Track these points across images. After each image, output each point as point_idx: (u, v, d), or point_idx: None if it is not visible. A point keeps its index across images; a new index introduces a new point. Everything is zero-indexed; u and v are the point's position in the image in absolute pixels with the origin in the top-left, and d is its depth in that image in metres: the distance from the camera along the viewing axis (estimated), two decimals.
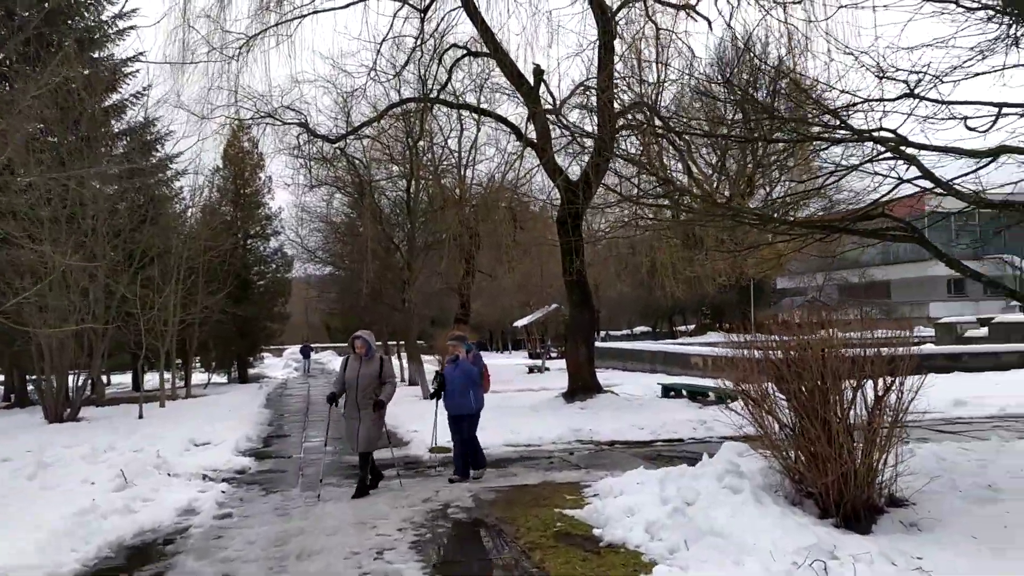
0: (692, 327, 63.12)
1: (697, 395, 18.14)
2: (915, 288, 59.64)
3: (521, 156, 20.14)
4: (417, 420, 15.86)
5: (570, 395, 18.44)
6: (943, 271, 60.16)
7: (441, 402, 10.61)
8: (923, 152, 8.33)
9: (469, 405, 10.31)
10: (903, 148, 8.70)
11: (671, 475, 7.56)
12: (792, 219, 9.20)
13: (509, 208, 34.59)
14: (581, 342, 18.51)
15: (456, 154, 30.44)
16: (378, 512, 8.38)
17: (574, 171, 19.23)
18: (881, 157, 9.15)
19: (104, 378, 35.22)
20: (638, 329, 66.94)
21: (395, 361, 30.78)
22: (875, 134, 8.28)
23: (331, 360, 54.93)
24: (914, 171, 8.94)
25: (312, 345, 44.42)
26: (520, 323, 48.91)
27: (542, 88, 17.88)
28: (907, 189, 8.46)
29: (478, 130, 29.75)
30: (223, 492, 9.84)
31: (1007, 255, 58.52)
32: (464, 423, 10.33)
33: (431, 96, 19.22)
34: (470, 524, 7.78)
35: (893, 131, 8.20)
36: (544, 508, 8.09)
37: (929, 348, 25.72)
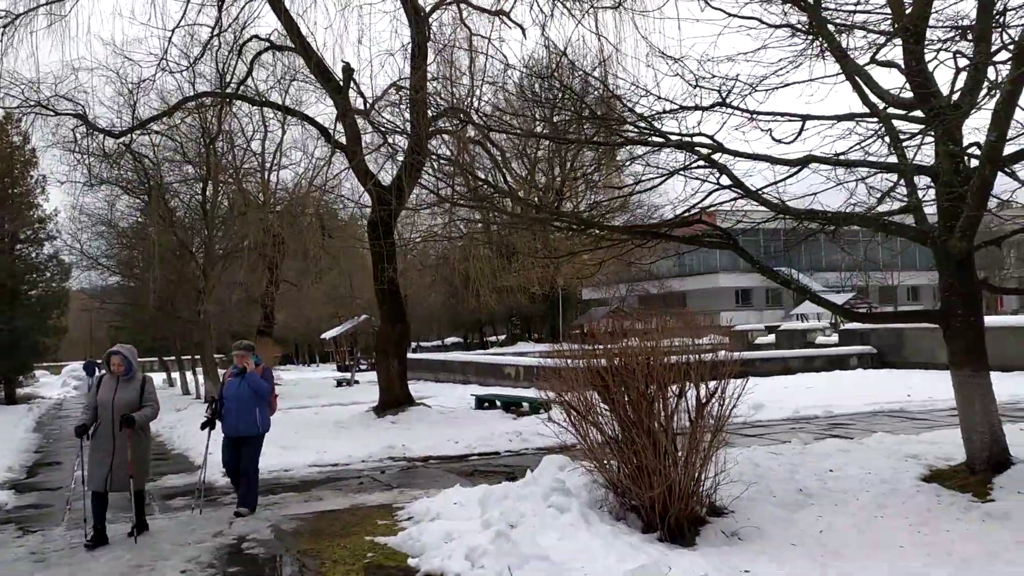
0: (503, 337, 63.93)
1: (511, 405, 17.94)
2: (707, 298, 63.83)
3: (330, 160, 19.18)
4: (212, 442, 14.47)
5: (381, 409, 17.65)
6: (732, 282, 64.94)
7: (218, 423, 8.84)
8: (738, 160, 8.44)
9: (253, 425, 8.74)
10: (715, 156, 8.80)
11: (493, 495, 7.07)
12: (610, 224, 9.02)
13: (317, 214, 33.31)
14: (392, 355, 17.78)
15: (259, 157, 28.83)
16: (159, 552, 7.27)
17: (385, 177, 18.52)
18: (695, 165, 9.21)
19: None
20: (449, 340, 66.89)
21: (190, 377, 28.51)
22: (691, 139, 8.28)
23: None
24: (726, 179, 9.08)
25: (97, 361, 39.97)
26: (328, 335, 47.22)
27: (352, 88, 17.04)
28: (724, 196, 8.52)
29: (283, 131, 28.19)
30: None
31: (786, 268, 64.08)
32: (245, 448, 8.74)
33: (229, 92, 17.81)
34: (268, 561, 6.88)
35: (711, 136, 8.23)
36: (354, 536, 7.34)
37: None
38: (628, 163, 10.25)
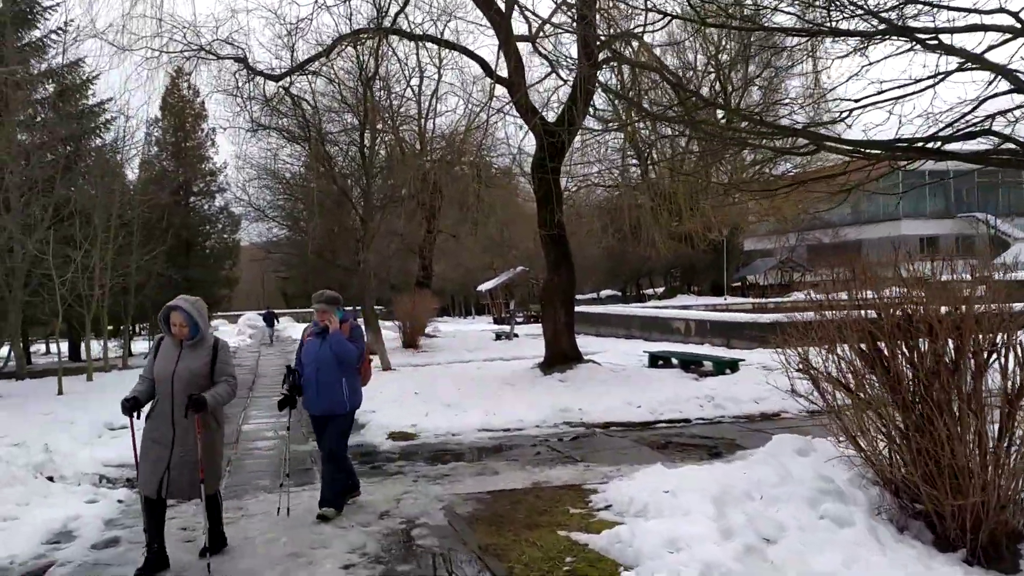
0: (660, 290, 61.48)
1: (691, 364, 16.19)
2: (888, 247, 58.43)
3: (491, 97, 17.73)
4: (375, 398, 13.67)
5: (548, 365, 16.37)
6: (915, 229, 59.34)
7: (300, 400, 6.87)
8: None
9: (340, 400, 6.73)
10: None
11: (731, 493, 5.46)
12: (857, 140, 7.07)
13: (473, 163, 32.35)
14: (560, 306, 16.39)
15: (415, 101, 28.00)
16: (318, 537, 6.21)
17: (550, 116, 16.98)
18: (965, 68, 7.11)
19: (43, 347, 32.40)
20: (604, 293, 65.14)
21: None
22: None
23: (288, 328, 52.46)
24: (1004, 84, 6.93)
25: (275, 312, 41.06)
26: (484, 287, 46.75)
27: (516, 12, 15.49)
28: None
29: (439, 74, 27.33)
30: (120, 502, 7.55)
31: (980, 213, 57.69)
32: (330, 429, 6.80)
33: (385, 27, 16.71)
34: (444, 559, 5.64)
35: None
36: (543, 529, 5.99)
37: None
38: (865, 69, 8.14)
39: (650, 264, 56.23)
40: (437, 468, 8.56)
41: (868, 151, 7.08)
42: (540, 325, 39.71)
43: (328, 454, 6.84)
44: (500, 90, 16.84)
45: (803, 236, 58.11)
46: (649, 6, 7.40)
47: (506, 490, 7.37)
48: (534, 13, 15.51)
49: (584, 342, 26.61)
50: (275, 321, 38.34)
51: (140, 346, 29.36)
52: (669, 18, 7.58)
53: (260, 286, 66.81)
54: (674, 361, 17.00)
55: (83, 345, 23.04)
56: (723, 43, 12.79)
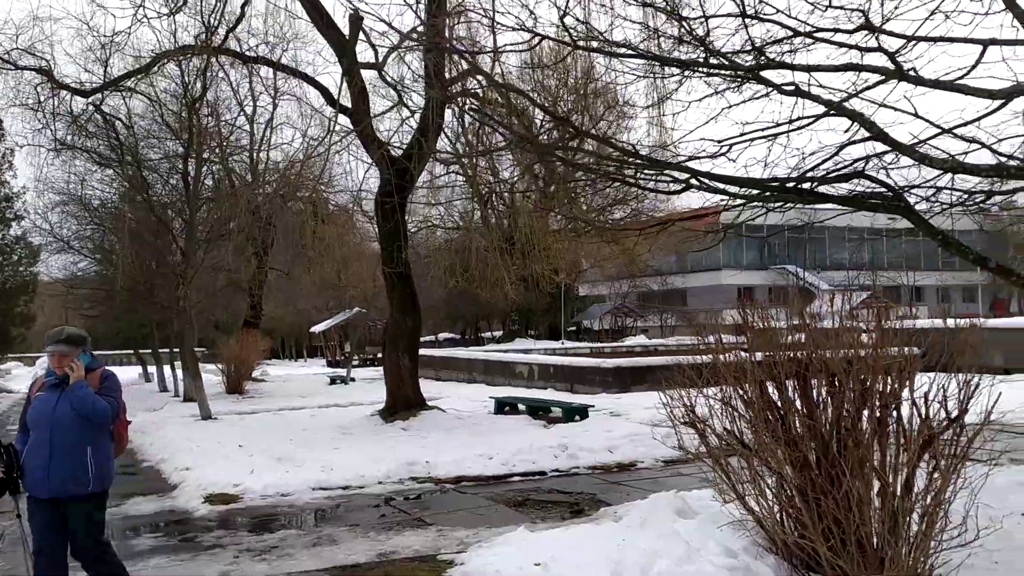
0: (498, 334, 61.47)
1: (539, 411, 15.61)
2: (710, 296, 61.65)
3: (331, 127, 16.67)
4: (191, 452, 12.10)
5: (390, 412, 15.32)
6: (734, 279, 62.80)
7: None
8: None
9: (83, 475, 4.85)
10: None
11: (625, 569, 4.73)
12: (747, 177, 6.71)
13: (311, 198, 30.84)
14: (404, 350, 15.42)
15: (248, 130, 26.37)
16: None
17: (396, 151, 16.16)
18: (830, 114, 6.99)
19: None
20: (442, 336, 64.31)
21: (169, 372, 26.01)
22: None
23: None
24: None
25: None
26: (318, 328, 44.80)
27: (363, 39, 14.66)
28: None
29: (275, 102, 25.91)
30: None
31: (791, 265, 61.97)
32: (73, 520, 4.89)
33: (216, 46, 15.38)
34: None
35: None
36: None
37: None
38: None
39: (489, 308, 56.19)
40: (264, 539, 7.35)
41: (742, 189, 6.74)
42: (378, 369, 38.50)
43: (92, 559, 4.94)
44: (344, 120, 15.87)
45: (634, 283, 60.07)
46: (516, 24, 6.90)
47: (347, 566, 6.31)
48: (389, 24, 14.63)
49: (426, 387, 25.54)
50: None
51: None
52: (538, 38, 7.02)
53: (65, 324, 60.84)
54: (521, 407, 16.39)
55: None
56: (589, 71, 12.54)
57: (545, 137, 8.62)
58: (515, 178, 25.26)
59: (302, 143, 27.82)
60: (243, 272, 28.20)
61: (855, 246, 62.03)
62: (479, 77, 14.51)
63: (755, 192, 6.74)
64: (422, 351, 39.86)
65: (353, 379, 26.87)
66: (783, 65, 6.90)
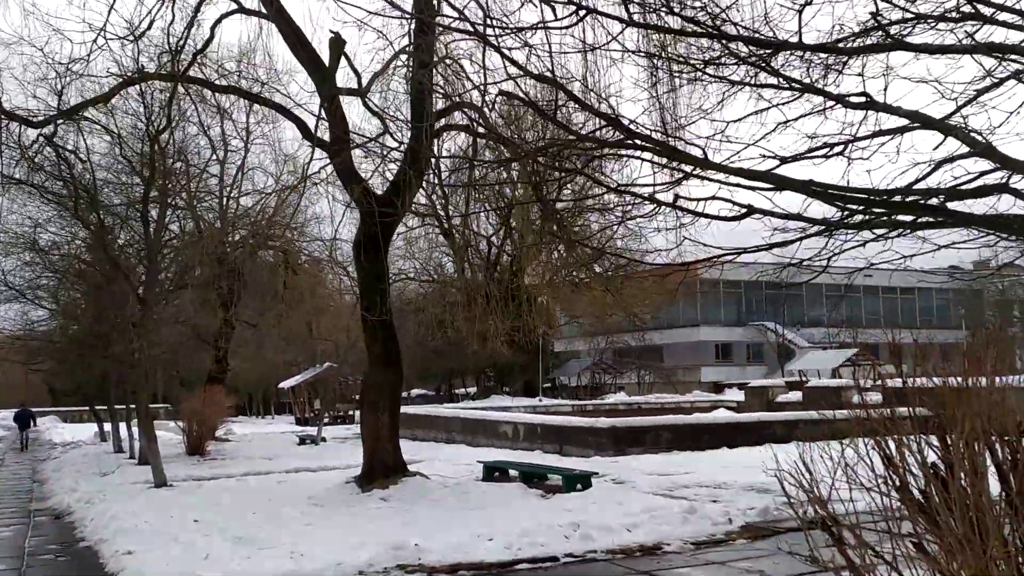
0: (472, 390, 59.62)
1: (533, 478, 14.03)
2: (686, 352, 60.59)
3: (306, 169, 15.25)
4: (137, 530, 10.36)
5: (367, 479, 13.65)
6: (711, 336, 61.75)
7: None
8: None
9: None
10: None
11: None
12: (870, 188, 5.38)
13: (282, 247, 29.35)
14: (384, 408, 13.82)
15: (216, 173, 25.00)
16: None
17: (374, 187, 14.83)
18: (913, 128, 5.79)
19: None
20: (415, 392, 62.30)
21: (125, 431, 24.01)
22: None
23: (50, 429, 45.34)
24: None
25: (32, 410, 34.02)
26: (287, 384, 42.80)
27: (345, 64, 13.39)
28: None
29: (247, 146, 24.66)
30: None
31: (769, 322, 61.19)
32: None
33: (181, 72, 14.04)
34: None
35: None
36: None
37: (761, 415, 23.46)
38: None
39: (463, 363, 54.48)
40: None
41: (851, 200, 5.42)
42: (350, 427, 36.57)
43: None
44: (318, 158, 14.52)
45: (611, 339, 58.78)
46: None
47: None
48: (356, 73, 13.41)
49: (403, 447, 23.90)
50: (32, 422, 32.10)
51: None
52: (584, 12, 5.79)
53: (24, 379, 58.05)
54: (513, 473, 14.81)
55: None
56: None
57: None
58: (495, 227, 23.82)
59: (275, 188, 26.63)
60: (208, 324, 26.57)
61: (834, 303, 61.53)
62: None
63: (878, 210, 5.40)
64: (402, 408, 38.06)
65: (324, 439, 25.04)
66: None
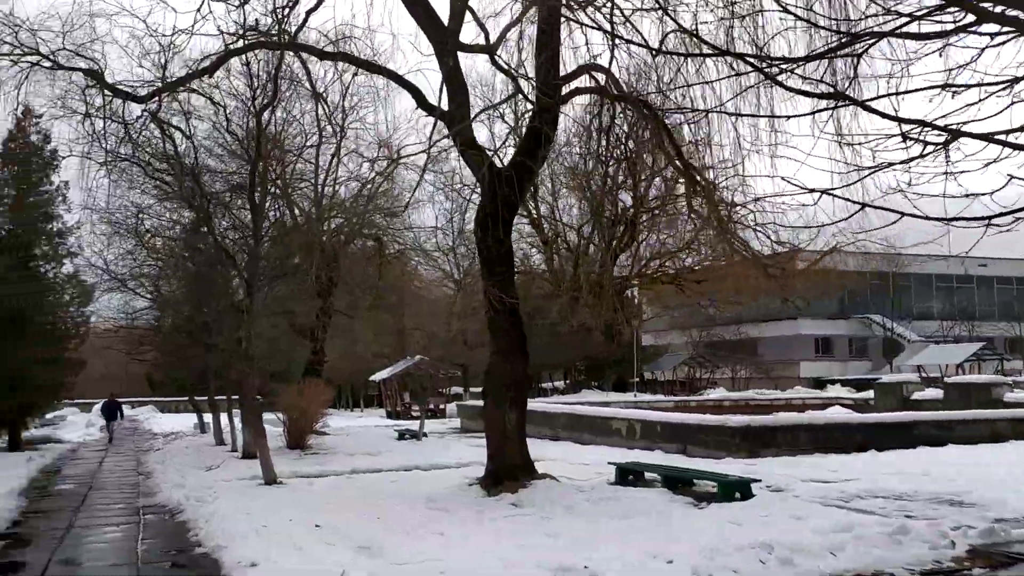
0: (560, 384, 58.06)
1: (678, 482, 12.51)
2: (783, 346, 57.63)
3: (432, 134, 13.95)
4: (258, 535, 9.31)
5: (492, 480, 12.39)
6: (811, 329, 58.53)
7: None
8: None
9: None
10: None
11: None
12: None
13: (377, 238, 28.48)
14: (511, 404, 12.53)
15: (311, 161, 24.10)
16: None
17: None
18: None
19: None
20: None
21: (225, 423, 23.48)
22: None
23: (150, 417, 46.08)
24: None
25: (120, 400, 31.80)
26: (379, 376, 42.21)
27: (470, 18, 12.12)
28: None
29: (341, 131, 23.58)
30: None
31: (876, 315, 57.70)
32: None
33: (286, 40, 13.01)
34: None
35: None
36: None
37: (905, 415, 21.30)
38: None
39: (552, 357, 52.81)
40: None
41: None
42: (442, 421, 35.61)
43: None
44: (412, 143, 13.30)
45: (705, 332, 56.42)
46: None
47: None
48: (484, 30, 12.10)
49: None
50: (119, 414, 30.39)
51: None
52: None
53: (125, 369, 59.31)
54: (649, 476, 13.33)
55: None
56: None
57: None
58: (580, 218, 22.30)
59: (371, 173, 25.66)
60: (304, 316, 25.88)
61: (945, 294, 57.78)
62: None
63: None
64: (470, 402, 36.90)
65: (425, 434, 24.01)
66: None
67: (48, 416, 29.53)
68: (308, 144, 23.11)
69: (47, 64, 13.08)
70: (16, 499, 14.24)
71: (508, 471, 12.40)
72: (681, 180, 13.11)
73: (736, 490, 11.33)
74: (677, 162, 11.79)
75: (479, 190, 15.67)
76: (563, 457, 17.63)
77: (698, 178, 11.70)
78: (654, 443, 19.58)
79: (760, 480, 11.66)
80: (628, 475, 13.53)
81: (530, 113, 12.32)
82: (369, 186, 24.88)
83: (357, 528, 9.85)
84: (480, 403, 36.29)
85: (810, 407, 35.49)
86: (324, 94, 19.61)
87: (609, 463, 14.37)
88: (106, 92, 13.71)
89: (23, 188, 25.73)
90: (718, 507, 10.77)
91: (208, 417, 27.54)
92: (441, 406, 40.64)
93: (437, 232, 37.58)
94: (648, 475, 13.47)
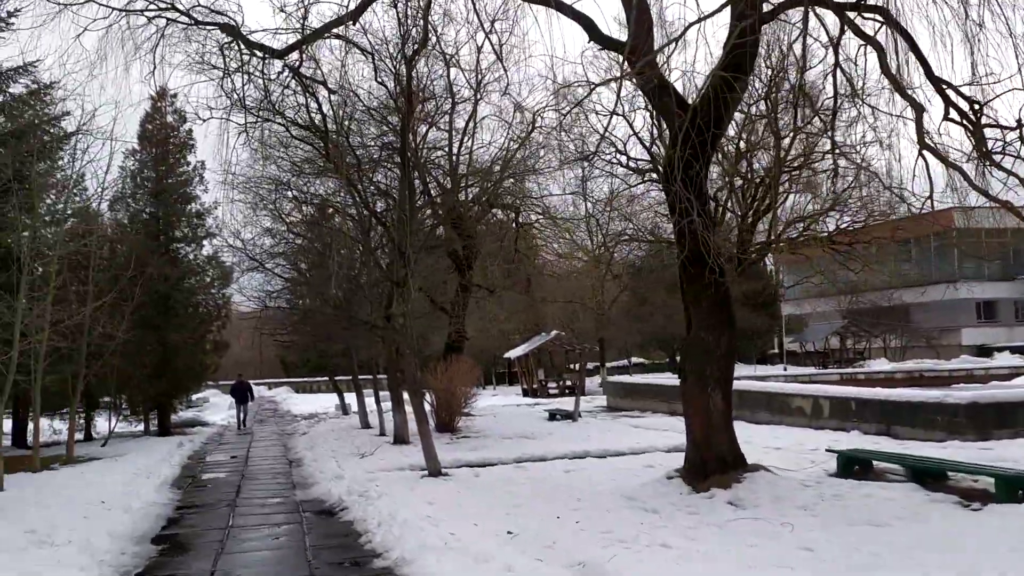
0: None
1: (927, 476, 10.23)
2: (940, 311, 52.64)
3: (621, 76, 12.02)
4: (446, 549, 7.76)
5: (698, 474, 10.48)
6: (972, 293, 53.21)
7: None
8: None
9: None
10: None
11: None
12: None
13: (515, 208, 26.85)
14: (716, 385, 10.55)
15: (446, 127, 22.49)
16: None
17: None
18: None
19: None
20: (634, 360, 58.80)
21: (371, 405, 22.52)
22: None
23: (288, 398, 46.39)
24: None
25: (250, 382, 29.68)
26: (513, 354, 40.88)
27: None
28: None
29: (477, 97, 21.79)
30: None
31: None
32: None
33: None
34: None
35: None
36: None
37: None
38: None
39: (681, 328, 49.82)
40: None
41: None
42: (586, 398, 33.87)
43: None
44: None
45: (854, 299, 52.10)
46: None
47: None
48: None
49: (654, 421, 20.75)
50: (249, 395, 27.91)
51: (109, 427, 23.20)
52: None
53: (259, 351, 60.57)
54: (884, 466, 11.10)
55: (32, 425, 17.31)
56: None
57: None
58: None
59: (508, 131, 23.74)
60: (440, 290, 24.64)
61: None
62: None
63: None
64: (624, 378, 34.76)
65: (580, 415, 22.31)
66: None
67: (193, 398, 29.55)
68: (438, 113, 21.36)
69: (183, 21, 11.92)
70: (170, 491, 13.41)
71: (716, 463, 10.47)
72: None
73: (1021, 487, 8.99)
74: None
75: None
76: (747, 440, 15.47)
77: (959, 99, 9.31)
78: (847, 423, 17.19)
79: None
80: (854, 465, 11.32)
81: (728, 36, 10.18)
82: (514, 145, 22.91)
83: (559, 537, 8.19)
84: (628, 379, 34.20)
85: (995, 377, 31.88)
86: (456, 59, 17.77)
87: (828, 450, 12.18)
88: (243, 49, 12.49)
89: (161, 170, 25.47)
90: (1004, 511, 8.51)
91: (350, 398, 26.79)
92: (577, 382, 39.00)
93: (573, 200, 35.61)
94: (878, 465, 11.24)
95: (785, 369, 42.07)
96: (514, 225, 27.27)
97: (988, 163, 9.70)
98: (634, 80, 10.95)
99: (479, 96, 21.64)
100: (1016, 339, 50.80)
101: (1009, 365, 36.80)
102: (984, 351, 47.71)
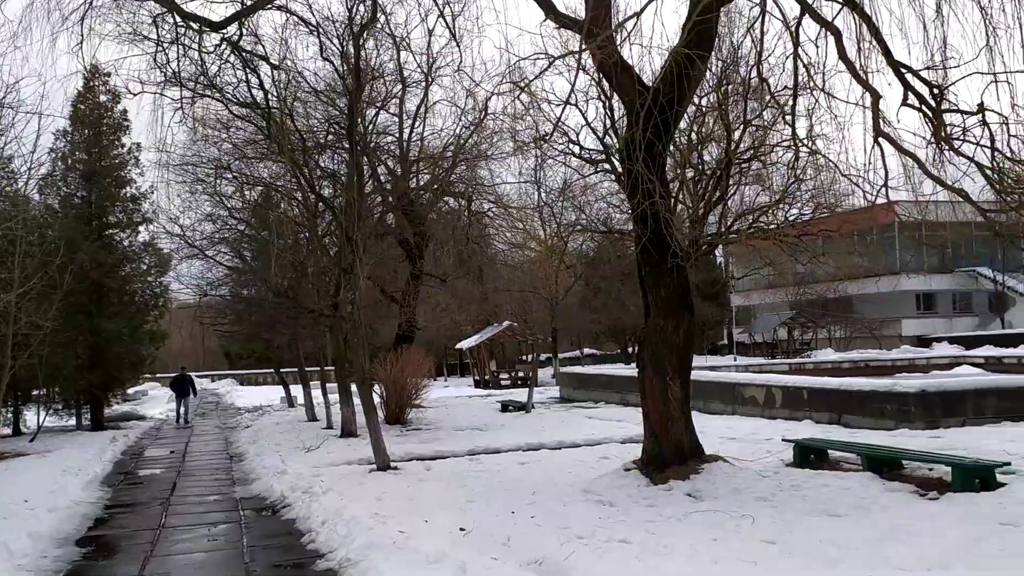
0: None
1: (882, 465, 10.07)
2: (881, 303, 53.68)
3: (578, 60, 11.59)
4: (394, 548, 7.29)
5: (656, 465, 10.18)
6: (913, 285, 54.31)
7: None
8: None
9: None
10: None
11: None
12: None
13: (466, 196, 26.37)
14: (674, 372, 10.25)
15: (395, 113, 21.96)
16: None
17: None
18: None
19: None
20: (587, 351, 58.78)
21: (318, 397, 21.88)
22: None
23: (232, 390, 45.11)
24: None
25: (190, 375, 27.54)
26: (466, 344, 40.39)
27: None
28: None
29: (429, 80, 21.26)
30: None
31: (984, 268, 53.21)
32: None
33: None
34: None
35: None
36: None
37: None
38: None
39: (637, 320, 50.16)
40: None
41: None
42: (539, 390, 33.57)
43: None
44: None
45: (799, 291, 52.72)
46: None
47: None
48: None
49: (607, 413, 20.50)
50: (191, 389, 26.02)
51: (38, 422, 22.06)
52: None
53: (201, 342, 58.96)
54: (839, 455, 10.95)
55: None
56: None
57: None
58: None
59: (459, 122, 23.24)
60: (391, 279, 24.11)
61: None
62: None
63: None
64: (578, 368, 34.56)
65: (534, 406, 21.97)
66: None
67: (130, 391, 28.38)
68: (410, 81, 20.52)
69: None
70: (99, 489, 12.65)
71: (673, 453, 10.18)
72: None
73: (975, 476, 8.86)
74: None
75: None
76: (702, 429, 15.28)
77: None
78: (799, 411, 17.16)
79: (1010, 463, 9.12)
80: (809, 454, 11.15)
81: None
82: (464, 131, 22.41)
83: (515, 533, 7.80)
84: (581, 369, 33.80)
85: (936, 367, 32.50)
86: (406, 42, 17.18)
87: (784, 440, 12.01)
88: (178, 21, 11.77)
89: (94, 152, 24.33)
90: (961, 500, 8.36)
91: (296, 390, 26.06)
92: (530, 374, 38.75)
93: (527, 188, 35.23)
94: (833, 454, 11.10)
95: (735, 359, 42.43)
96: (466, 213, 26.88)
97: (948, 148, 9.53)
98: (594, 55, 10.58)
99: (431, 79, 21.09)
100: (954, 330, 52.02)
101: (948, 355, 37.55)
102: (923, 341, 48.72)
